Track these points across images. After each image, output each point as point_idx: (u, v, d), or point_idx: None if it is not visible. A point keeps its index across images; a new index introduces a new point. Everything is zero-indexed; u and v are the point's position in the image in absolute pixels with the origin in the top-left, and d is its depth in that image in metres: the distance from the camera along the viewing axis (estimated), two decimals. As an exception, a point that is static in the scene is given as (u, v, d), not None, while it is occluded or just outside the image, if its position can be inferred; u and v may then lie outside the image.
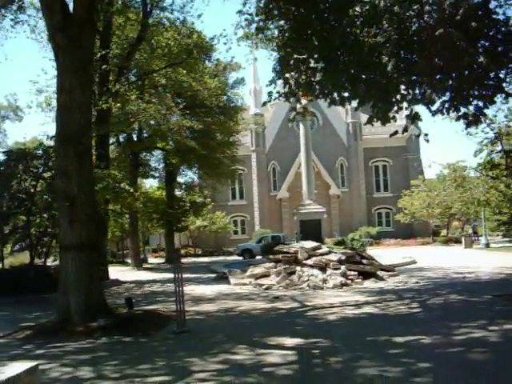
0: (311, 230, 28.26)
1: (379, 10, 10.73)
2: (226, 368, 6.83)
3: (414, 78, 11.16)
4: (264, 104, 16.57)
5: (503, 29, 12.23)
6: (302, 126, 29.71)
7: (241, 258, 37.72)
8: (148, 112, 24.67)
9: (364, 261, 19.68)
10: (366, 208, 51.07)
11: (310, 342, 8.08)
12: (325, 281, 16.99)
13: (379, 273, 18.86)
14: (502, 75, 12.81)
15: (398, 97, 12.29)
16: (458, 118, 11.64)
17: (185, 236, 49.90)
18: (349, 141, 51.24)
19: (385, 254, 29.90)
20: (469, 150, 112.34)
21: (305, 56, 14.47)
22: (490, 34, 11.86)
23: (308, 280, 17.09)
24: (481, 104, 12.72)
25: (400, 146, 51.00)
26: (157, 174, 35.36)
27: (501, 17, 12.30)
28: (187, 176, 38.88)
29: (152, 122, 25.52)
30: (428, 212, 42.32)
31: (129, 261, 33.55)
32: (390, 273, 19.46)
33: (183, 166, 35.28)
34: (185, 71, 24.44)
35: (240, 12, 17.17)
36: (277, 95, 16.19)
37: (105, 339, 9.17)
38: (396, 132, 13.63)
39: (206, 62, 26.54)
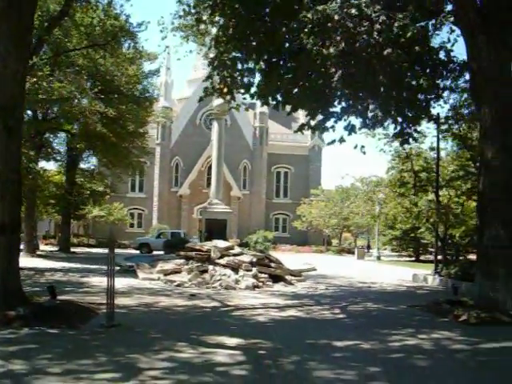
0: (216, 229, 28.16)
1: (333, 22, 10.99)
2: (176, 366, 6.58)
3: (360, 92, 11.55)
4: (200, 99, 16.35)
5: (434, 56, 13.10)
6: (216, 125, 29.45)
7: (137, 251, 36.84)
8: (60, 91, 23.35)
9: (272, 264, 19.97)
10: (265, 212, 52.03)
11: (251, 343, 8.02)
12: (237, 281, 17.01)
13: (287, 277, 19.27)
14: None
15: (338, 108, 12.72)
16: (396, 136, 12.29)
17: (77, 225, 47.72)
18: (254, 144, 51.96)
19: (283, 258, 30.54)
20: (365, 165, 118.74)
21: (241, 55, 14.52)
22: (426, 59, 12.63)
23: (220, 280, 17.02)
24: (408, 125, 13.54)
25: (303, 155, 52.64)
26: (58, 158, 33.39)
27: (435, 45, 13.17)
28: (90, 163, 37.20)
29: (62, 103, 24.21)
30: (324, 221, 44.04)
31: (21, 246, 31.29)
32: (297, 278, 19.95)
33: (87, 152, 33.68)
34: (106, 54, 23.42)
35: (180, 1, 16.84)
36: (212, 91, 16.11)
37: (27, 330, 8.44)
38: (302, 127, 14.05)
39: (126, 47, 25.56)
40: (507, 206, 11.17)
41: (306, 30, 11.78)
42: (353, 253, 43.56)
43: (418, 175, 20.17)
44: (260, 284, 17.18)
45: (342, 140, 12.08)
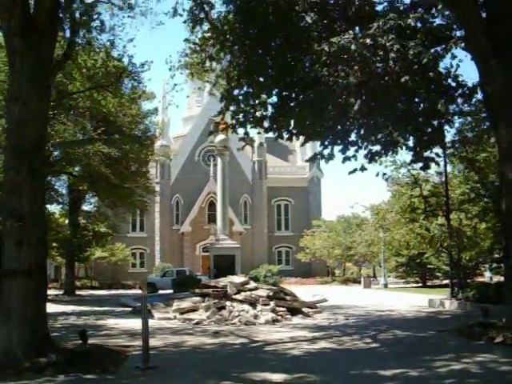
0: (224, 265, 27.98)
1: (350, 53, 11.14)
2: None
3: (378, 120, 11.63)
4: (210, 134, 16.42)
5: (444, 82, 13.27)
6: (219, 161, 29.61)
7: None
8: (63, 134, 23.45)
9: (287, 297, 19.77)
10: (267, 246, 51.80)
11: (297, 377, 7.84)
12: (256, 316, 16.79)
13: (304, 309, 19.04)
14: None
15: (354, 137, 12.80)
16: (414, 161, 12.36)
17: (78, 267, 47.19)
18: (254, 179, 52.10)
19: (292, 291, 30.28)
20: (364, 192, 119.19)
21: (253, 90, 14.65)
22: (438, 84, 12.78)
23: (239, 315, 16.77)
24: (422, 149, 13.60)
25: (302, 187, 52.78)
26: (60, 200, 33.22)
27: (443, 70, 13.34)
28: (91, 204, 37.05)
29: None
30: (328, 252, 43.87)
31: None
32: (313, 310, 19.71)
33: (90, 194, 33.59)
34: (108, 95, 23.60)
35: (187, 40, 17.12)
36: (225, 125, 16.22)
37: (63, 377, 8.22)
38: (314, 157, 14.08)
39: (128, 88, 25.76)
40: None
41: (320, 62, 11.94)
42: (358, 282, 43.27)
43: (428, 200, 20.20)
44: (279, 318, 16.94)
45: (363, 168, 12.13)
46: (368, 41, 11.28)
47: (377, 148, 13.10)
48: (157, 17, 15.14)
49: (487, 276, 38.02)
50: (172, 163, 49.88)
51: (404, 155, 49.03)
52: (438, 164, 13.43)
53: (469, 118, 19.02)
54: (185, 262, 47.52)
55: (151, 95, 31.31)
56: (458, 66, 13.93)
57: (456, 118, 16.93)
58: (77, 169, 30.19)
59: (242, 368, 8.67)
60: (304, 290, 33.31)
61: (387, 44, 11.33)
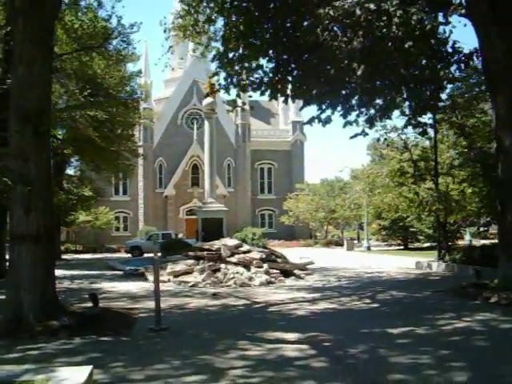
0: (212, 228, 28.15)
1: (354, 18, 11.12)
2: (254, 364, 6.62)
3: (382, 84, 11.71)
4: (206, 96, 16.29)
5: (442, 48, 13.35)
6: (207, 124, 29.40)
7: (128, 255, 36.62)
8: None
9: (278, 260, 20.15)
10: (251, 209, 52.15)
11: (310, 336, 8.12)
12: (250, 278, 17.10)
13: (296, 271, 19.43)
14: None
15: (355, 101, 12.89)
16: (414, 126, 12.54)
17: (62, 231, 46.98)
18: (237, 142, 52.00)
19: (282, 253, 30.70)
20: (345, 156, 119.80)
21: (250, 53, 14.52)
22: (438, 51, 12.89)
23: (234, 278, 17.07)
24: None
25: (285, 150, 52.89)
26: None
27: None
28: (76, 168, 36.64)
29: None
30: (311, 215, 44.39)
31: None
32: (304, 272, 20.12)
33: (74, 158, 33.20)
34: (96, 57, 23.16)
35: (182, 1, 16.82)
36: (218, 87, 16.10)
37: (79, 339, 8.36)
38: (312, 120, 14.13)
39: (114, 49, 25.23)
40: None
41: (322, 25, 11.90)
42: (340, 245, 44.03)
43: (417, 164, 20.54)
44: (273, 280, 17.30)
45: (365, 134, 12.28)
46: (372, 6, 11.27)
47: (375, 113, 13.24)
48: None
49: (467, 239, 39.04)
50: (155, 126, 49.36)
51: (395, 120, 49.41)
52: (432, 128, 13.63)
53: (458, 84, 19.20)
54: (168, 226, 47.65)
55: (136, 57, 30.72)
56: (451, 32, 14.06)
57: (447, 84, 17.16)
58: (61, 132, 29.77)
59: (252, 328, 8.93)
60: (289, 253, 33.64)
61: (390, 9, 11.34)
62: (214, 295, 14.12)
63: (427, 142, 21.49)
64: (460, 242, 34.32)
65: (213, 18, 16.20)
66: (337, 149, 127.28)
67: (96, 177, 35.94)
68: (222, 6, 14.72)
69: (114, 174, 33.77)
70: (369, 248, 38.37)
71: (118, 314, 10.44)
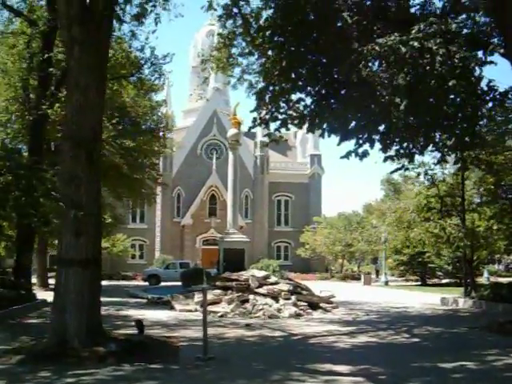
0: (234, 258, 28.16)
1: (400, 55, 11.34)
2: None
3: (422, 121, 11.85)
4: (249, 129, 16.56)
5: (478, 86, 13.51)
6: (231, 155, 29.73)
7: (147, 283, 36.55)
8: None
9: (304, 292, 20.08)
10: (267, 241, 52.09)
11: (362, 369, 8.08)
12: (279, 310, 17.02)
13: (322, 304, 19.32)
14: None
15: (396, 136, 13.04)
16: (455, 162, 12.67)
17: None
18: (255, 173, 52.30)
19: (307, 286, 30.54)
20: (361, 190, 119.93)
21: (291, 87, 14.77)
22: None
23: (263, 309, 16.98)
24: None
25: (303, 183, 53.08)
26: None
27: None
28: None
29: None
30: (329, 248, 44.26)
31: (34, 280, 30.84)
32: (330, 305, 19.99)
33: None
34: (128, 85, 23.70)
35: (220, 35, 17.27)
36: (259, 121, 16.33)
37: (129, 366, 8.36)
38: (348, 154, 14.19)
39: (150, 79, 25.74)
40: None
41: (366, 61, 12.15)
42: (357, 279, 43.65)
43: (444, 200, 20.58)
44: (301, 312, 17.18)
45: (406, 168, 12.41)
46: (416, 43, 11.50)
47: (413, 148, 13.38)
48: (176, 8, 15.21)
49: (484, 276, 38.72)
50: (174, 155, 49.84)
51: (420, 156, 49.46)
52: (478, 167, 13.75)
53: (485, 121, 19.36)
54: (185, 255, 47.65)
55: (160, 87, 31.31)
56: (481, 69, 14.27)
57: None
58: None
59: (300, 360, 8.90)
60: (308, 286, 33.60)
61: (433, 48, 11.57)
62: (248, 326, 14.08)
63: (451, 180, 21.59)
64: (478, 279, 33.99)
65: (246, 51, 16.60)
66: (352, 182, 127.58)
67: (116, 203, 36.20)
68: (253, 40, 15.08)
69: (134, 202, 33.96)
70: (387, 283, 38.03)
71: (161, 342, 10.42)
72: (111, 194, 33.80)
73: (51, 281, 35.88)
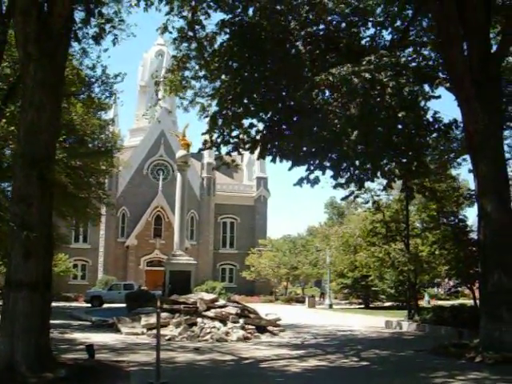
0: (180, 281, 27.81)
1: (352, 85, 11.78)
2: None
3: (373, 149, 12.32)
4: (199, 151, 16.56)
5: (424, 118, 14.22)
6: (179, 176, 29.55)
7: (89, 305, 35.54)
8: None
9: (251, 315, 20.08)
10: (212, 262, 51.81)
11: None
12: (227, 333, 16.96)
13: (269, 328, 19.37)
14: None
15: (346, 164, 13.45)
16: (402, 190, 13.16)
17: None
18: (202, 195, 52.14)
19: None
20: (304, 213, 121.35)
21: (243, 112, 15.00)
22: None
23: (211, 332, 16.88)
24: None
25: (249, 206, 53.31)
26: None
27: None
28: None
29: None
30: (274, 271, 44.50)
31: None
32: (277, 328, 20.06)
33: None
34: (78, 103, 23.27)
35: (174, 57, 17.36)
36: (210, 144, 16.41)
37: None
38: (301, 181, 14.48)
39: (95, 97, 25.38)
40: (508, 255, 12.17)
41: (319, 90, 12.55)
42: (301, 302, 44.02)
43: (389, 225, 21.25)
44: (249, 335, 17.17)
45: (355, 196, 12.79)
46: (367, 75, 11.99)
47: (362, 175, 13.85)
48: (129, 29, 15.19)
49: (425, 299, 39.95)
50: (120, 174, 49.02)
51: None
52: (420, 193, 14.31)
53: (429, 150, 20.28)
54: (128, 276, 46.66)
55: (110, 106, 30.92)
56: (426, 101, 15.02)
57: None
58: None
59: (255, 384, 8.92)
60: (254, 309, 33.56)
61: (384, 80, 12.10)
62: (197, 349, 13.97)
63: (395, 206, 22.35)
64: (420, 302, 35.01)
65: (200, 75, 16.74)
66: (297, 204, 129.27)
67: (59, 222, 35.13)
68: (207, 64, 15.30)
69: (78, 221, 33.06)
70: (331, 306, 38.54)
71: (111, 367, 10.19)
72: (55, 212, 32.80)
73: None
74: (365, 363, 11.60)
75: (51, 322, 21.37)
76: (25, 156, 9.73)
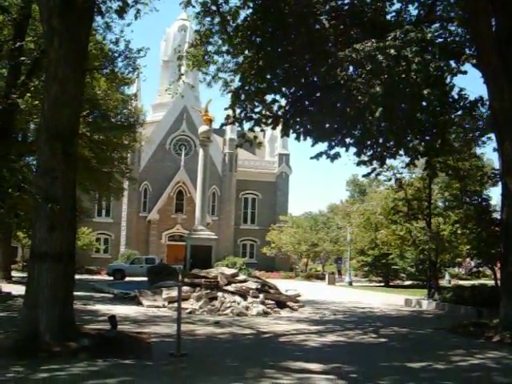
0: (201, 256, 28.11)
1: (377, 62, 11.58)
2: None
3: (396, 127, 12.17)
4: (221, 126, 16.56)
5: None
6: (201, 151, 29.64)
7: (111, 277, 36.19)
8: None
9: (271, 290, 20.24)
10: (233, 238, 52.18)
11: (334, 367, 8.27)
12: (247, 308, 17.16)
13: (289, 303, 19.53)
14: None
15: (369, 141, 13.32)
16: (425, 168, 13.03)
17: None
18: (223, 171, 52.31)
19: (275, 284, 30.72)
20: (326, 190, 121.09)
21: (266, 88, 14.89)
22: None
23: (231, 306, 17.10)
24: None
25: (270, 182, 53.34)
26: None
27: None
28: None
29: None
30: (294, 248, 44.67)
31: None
32: (297, 304, 20.22)
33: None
34: (101, 78, 23.37)
35: (197, 32, 17.22)
36: (232, 119, 16.37)
37: (101, 362, 8.34)
38: (319, 155, 14.40)
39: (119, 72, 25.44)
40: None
41: (343, 66, 12.38)
42: (321, 278, 44.18)
43: (411, 203, 21.08)
44: (269, 310, 17.35)
45: (378, 173, 12.72)
46: (393, 51, 11.78)
47: (384, 152, 13.72)
48: (151, 3, 15.05)
49: (446, 279, 39.77)
50: (142, 150, 49.38)
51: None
52: (442, 171, 14.13)
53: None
54: (150, 250, 47.34)
55: (131, 80, 31.02)
56: (452, 78, 14.72)
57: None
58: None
59: (273, 357, 9.03)
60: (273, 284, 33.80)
61: (409, 56, 11.87)
62: (217, 323, 14.16)
63: (417, 184, 22.11)
64: (440, 281, 34.88)
65: (223, 50, 16.61)
66: (319, 182, 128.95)
67: (82, 196, 35.64)
68: (230, 39, 15.14)
69: (101, 196, 33.51)
70: (351, 283, 38.64)
71: (132, 338, 10.40)
72: (79, 186, 33.26)
73: (14, 273, 35.23)
74: (383, 340, 11.67)
75: (74, 293, 21.96)
76: (49, 130, 9.84)
